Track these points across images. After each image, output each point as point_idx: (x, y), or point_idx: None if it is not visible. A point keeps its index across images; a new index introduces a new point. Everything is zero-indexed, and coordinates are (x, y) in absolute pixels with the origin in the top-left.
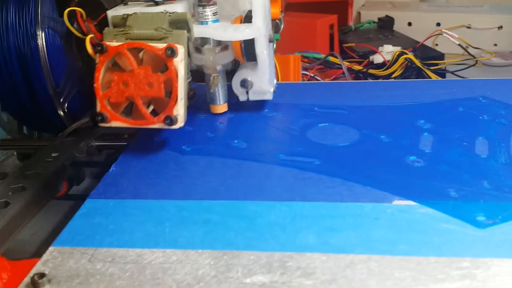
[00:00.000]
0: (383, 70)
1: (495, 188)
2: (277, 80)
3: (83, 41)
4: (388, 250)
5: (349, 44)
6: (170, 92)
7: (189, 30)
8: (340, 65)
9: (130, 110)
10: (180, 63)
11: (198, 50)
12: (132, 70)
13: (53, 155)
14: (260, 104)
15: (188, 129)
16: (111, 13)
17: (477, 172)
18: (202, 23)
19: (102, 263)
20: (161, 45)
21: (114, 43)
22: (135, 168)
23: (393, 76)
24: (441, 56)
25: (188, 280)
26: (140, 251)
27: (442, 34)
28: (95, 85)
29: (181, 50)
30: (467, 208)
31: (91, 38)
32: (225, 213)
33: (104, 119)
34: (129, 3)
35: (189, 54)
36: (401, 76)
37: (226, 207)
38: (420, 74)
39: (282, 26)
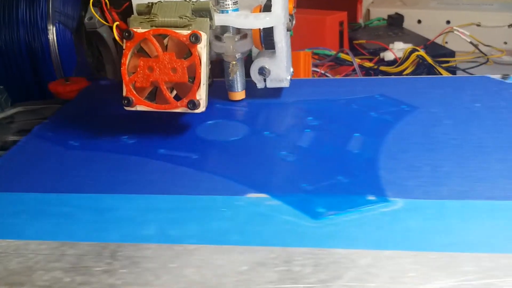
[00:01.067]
0: (395, 67)
1: (349, 182)
2: None
3: (93, 36)
4: (220, 240)
5: (360, 41)
6: (193, 78)
7: (211, 18)
8: (351, 62)
9: (153, 95)
10: (203, 49)
11: (218, 38)
12: (157, 55)
13: None
14: None
15: (83, 126)
16: (136, 1)
17: (339, 167)
18: (222, 11)
19: None
20: (186, 32)
21: (141, 30)
22: (16, 163)
23: (404, 73)
24: (451, 54)
25: (18, 269)
26: None
27: (453, 31)
28: (121, 69)
29: (204, 36)
30: (311, 201)
31: (117, 25)
32: (80, 206)
33: (130, 103)
34: None
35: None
36: (413, 73)
37: (84, 200)
38: (431, 71)
39: (293, 22)
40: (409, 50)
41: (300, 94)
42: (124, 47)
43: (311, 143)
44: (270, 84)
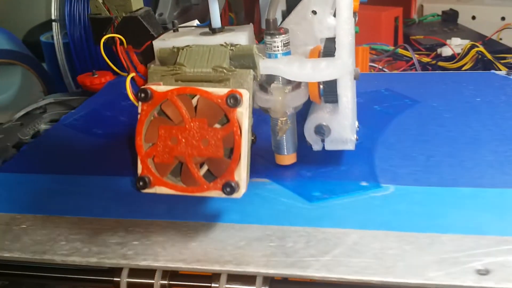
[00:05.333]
0: (453, 63)
1: (346, 170)
2: None
3: None
4: (222, 218)
5: (417, 37)
6: (230, 150)
7: (255, 67)
8: (409, 57)
9: (179, 168)
10: (244, 114)
11: (264, 88)
12: (183, 122)
13: None
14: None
15: (104, 116)
16: (158, 44)
17: (338, 155)
18: (270, 56)
19: None
20: (221, 91)
21: (161, 87)
22: (41, 148)
23: (463, 68)
24: (509, 50)
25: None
26: None
27: (511, 28)
28: (136, 140)
29: (246, 96)
30: (309, 186)
31: (133, 77)
32: (95, 185)
33: (146, 185)
34: (179, 29)
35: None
36: (472, 69)
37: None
38: (487, 67)
39: (356, 19)
40: (468, 46)
41: None
42: (139, 111)
43: None
44: (329, 146)
